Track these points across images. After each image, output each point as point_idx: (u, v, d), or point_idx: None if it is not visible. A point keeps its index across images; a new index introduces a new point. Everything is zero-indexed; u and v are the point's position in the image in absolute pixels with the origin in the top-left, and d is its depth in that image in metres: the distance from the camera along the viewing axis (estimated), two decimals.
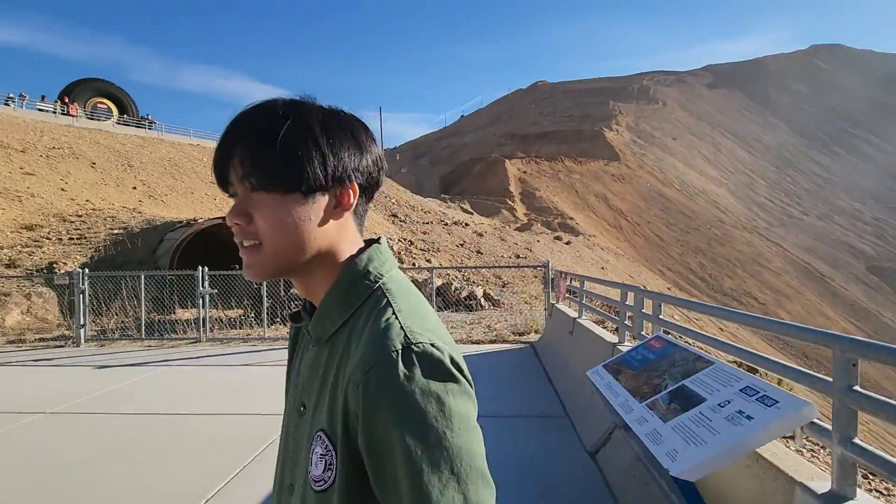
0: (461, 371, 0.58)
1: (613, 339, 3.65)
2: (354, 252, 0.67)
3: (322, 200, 0.63)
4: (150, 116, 33.19)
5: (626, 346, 3.33)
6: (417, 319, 0.61)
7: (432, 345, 0.57)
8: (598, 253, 44.85)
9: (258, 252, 0.63)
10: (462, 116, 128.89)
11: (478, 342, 7.46)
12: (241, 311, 10.35)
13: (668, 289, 42.05)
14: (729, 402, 1.66)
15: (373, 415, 0.54)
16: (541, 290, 17.28)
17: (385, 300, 0.63)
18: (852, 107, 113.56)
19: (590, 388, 3.88)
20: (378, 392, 0.54)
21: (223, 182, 0.65)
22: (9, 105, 26.42)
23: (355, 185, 0.65)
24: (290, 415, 0.71)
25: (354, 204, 0.66)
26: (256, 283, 9.67)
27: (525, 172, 64.68)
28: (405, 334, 0.57)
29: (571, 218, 53.35)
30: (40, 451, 3.78)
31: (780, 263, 58.65)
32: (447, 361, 0.57)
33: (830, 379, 1.64)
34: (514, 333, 7.91)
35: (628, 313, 3.48)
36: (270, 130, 0.61)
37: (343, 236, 0.67)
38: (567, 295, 6.25)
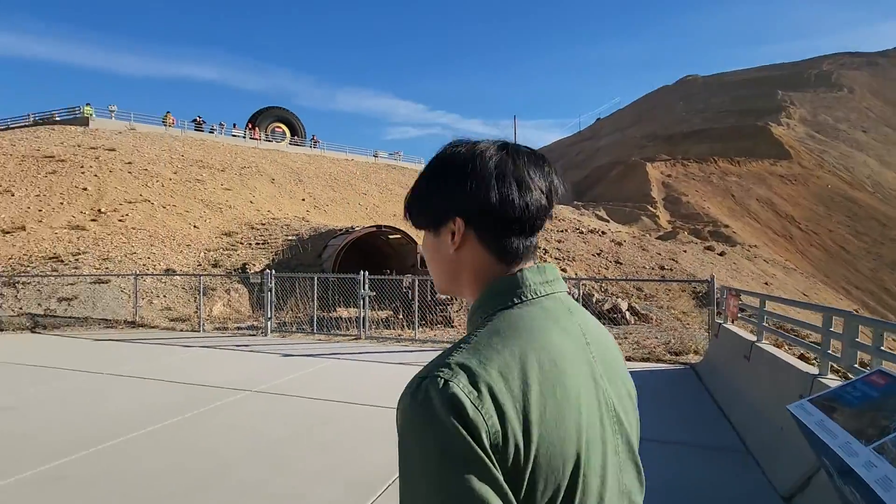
0: (457, 416, 0.54)
1: (811, 370, 3.17)
2: (490, 281, 0.71)
3: (445, 236, 0.72)
4: (315, 136, 38.09)
5: (830, 380, 2.88)
6: (474, 355, 0.59)
7: (443, 380, 0.56)
8: (760, 266, 39.10)
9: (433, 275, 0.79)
10: (598, 119, 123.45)
11: (628, 359, 7.08)
12: (389, 312, 11.29)
13: (856, 310, 34.82)
14: None
15: None
16: (692, 306, 15.68)
17: (474, 335, 0.64)
18: None
19: (777, 423, 3.45)
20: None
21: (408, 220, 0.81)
22: (213, 132, 32.55)
23: (459, 220, 0.70)
24: None
25: (459, 237, 0.70)
26: (405, 287, 10.48)
27: (669, 176, 59.41)
28: (435, 365, 0.59)
29: (727, 226, 47.42)
30: (248, 424, 4.60)
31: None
32: (437, 399, 0.54)
33: None
34: (669, 352, 7.33)
35: (832, 341, 3.00)
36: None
37: (474, 266, 0.72)
38: (740, 315, 5.60)
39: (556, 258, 26.41)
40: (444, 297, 10.15)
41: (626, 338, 8.68)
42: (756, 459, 3.34)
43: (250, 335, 9.93)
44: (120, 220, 16.84)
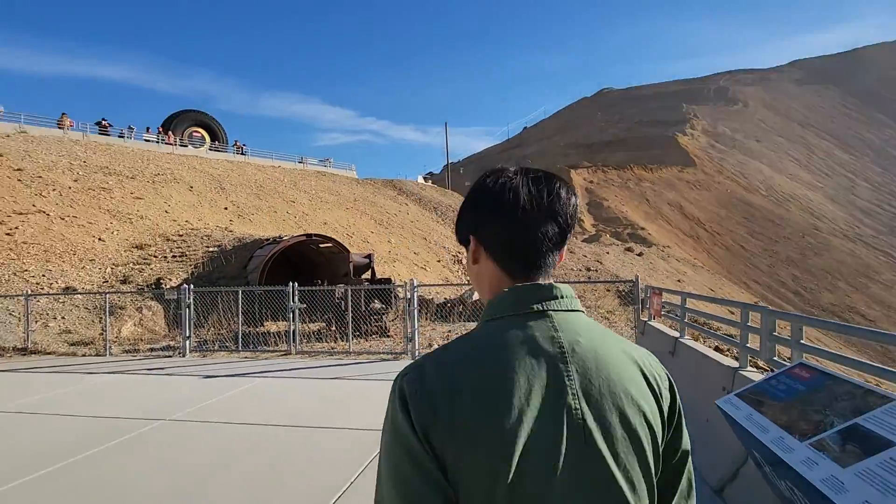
0: (400, 403, 0.70)
1: (732, 363, 3.35)
2: (496, 293, 0.80)
3: (469, 252, 0.85)
4: (238, 142, 36.12)
5: (750, 372, 3.05)
6: (439, 357, 0.74)
7: (401, 376, 0.73)
8: (673, 265, 42.33)
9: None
10: (525, 128, 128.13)
11: None
12: (322, 325, 10.82)
13: (756, 303, 38.66)
14: None
15: None
16: (617, 305, 16.55)
17: (453, 341, 0.78)
18: None
19: (704, 416, 3.60)
20: None
21: None
22: (122, 137, 29.85)
23: (473, 239, 0.83)
24: None
25: (472, 253, 0.84)
26: (338, 298, 10.08)
27: (592, 182, 62.87)
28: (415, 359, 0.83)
29: (643, 228, 50.91)
30: (165, 456, 4.12)
31: (891, 275, 52.16)
32: (396, 393, 0.71)
33: None
34: None
35: (750, 336, 3.19)
36: None
37: (489, 278, 0.82)
38: (663, 312, 5.90)
39: None
40: (378, 306, 9.89)
41: None
42: None
43: (166, 357, 9.08)
44: (7, 234, 14.85)
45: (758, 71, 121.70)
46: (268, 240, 15.62)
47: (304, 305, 9.06)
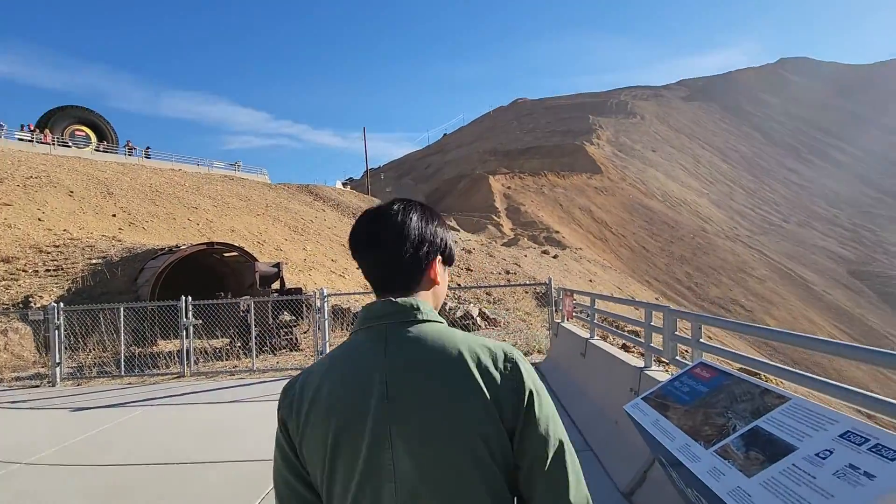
0: (279, 400, 0.93)
1: (638, 363, 3.38)
2: None
3: None
4: (129, 142, 32.65)
5: (655, 372, 3.07)
6: (312, 365, 0.96)
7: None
8: (585, 266, 44.88)
9: None
10: (445, 134, 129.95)
11: None
12: (226, 341, 9.89)
13: (657, 298, 42.15)
14: (830, 453, 1.39)
15: None
16: (534, 307, 17.02)
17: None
18: (821, 115, 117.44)
19: (614, 418, 3.59)
20: None
21: None
22: None
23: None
24: None
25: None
26: (243, 311, 9.25)
27: (509, 188, 65.10)
28: None
29: (557, 231, 53.58)
30: None
31: (764, 271, 59.47)
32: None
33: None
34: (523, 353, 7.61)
35: (654, 335, 3.23)
36: None
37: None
38: (575, 313, 6.00)
39: None
40: (288, 318, 9.22)
41: None
42: (597, 456, 3.44)
43: (32, 387, 7.74)
44: None
45: (652, 88, 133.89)
46: (163, 249, 14.10)
47: (200, 321, 8.16)
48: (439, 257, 1.01)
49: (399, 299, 0.91)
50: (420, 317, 0.90)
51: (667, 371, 3.29)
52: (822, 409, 1.62)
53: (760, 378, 3.34)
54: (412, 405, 0.82)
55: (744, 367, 2.92)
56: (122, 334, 8.13)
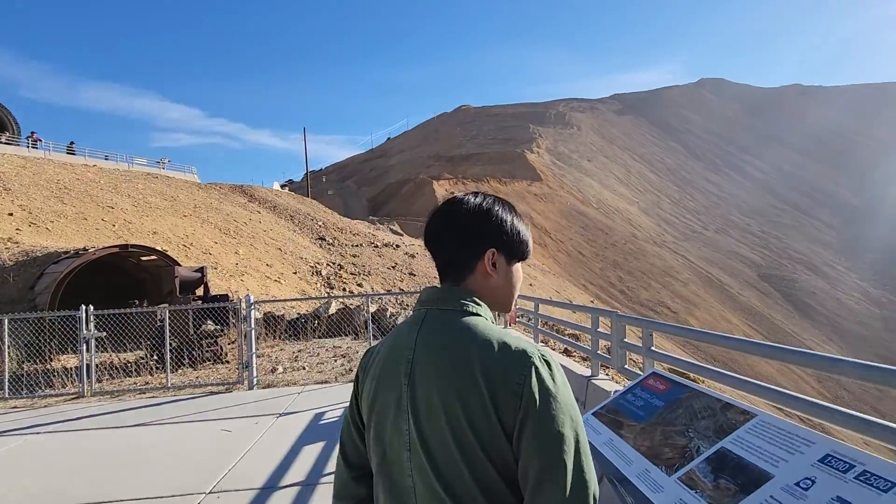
0: (361, 360, 1.10)
1: (584, 371, 3.21)
2: None
3: None
4: (34, 134, 29.38)
5: (603, 381, 2.91)
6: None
7: None
8: (526, 270, 45.67)
9: None
10: (389, 138, 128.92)
11: None
12: (140, 354, 8.89)
13: (592, 301, 43.85)
14: (812, 482, 1.20)
15: None
16: None
17: None
18: (735, 132, 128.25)
19: None
20: None
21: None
22: None
23: None
24: None
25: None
26: (160, 320, 8.35)
27: (452, 193, 65.21)
28: None
29: None
30: None
31: (687, 274, 63.66)
32: None
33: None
34: None
35: (601, 342, 3.07)
36: None
37: None
38: (518, 318, 5.84)
39: (351, 273, 25.81)
40: (212, 328, 8.43)
41: None
42: None
43: None
44: None
45: (588, 101, 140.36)
46: (68, 252, 12.60)
47: (104, 333, 7.23)
48: (493, 251, 1.00)
49: (444, 287, 1.01)
50: (458, 307, 0.95)
51: (614, 381, 3.14)
52: (792, 427, 1.46)
53: (693, 380, 3.27)
54: (424, 387, 0.89)
55: (672, 367, 2.80)
56: (7, 349, 7.03)
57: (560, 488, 0.80)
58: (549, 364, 0.87)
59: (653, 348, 2.53)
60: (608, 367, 3.36)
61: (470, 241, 0.99)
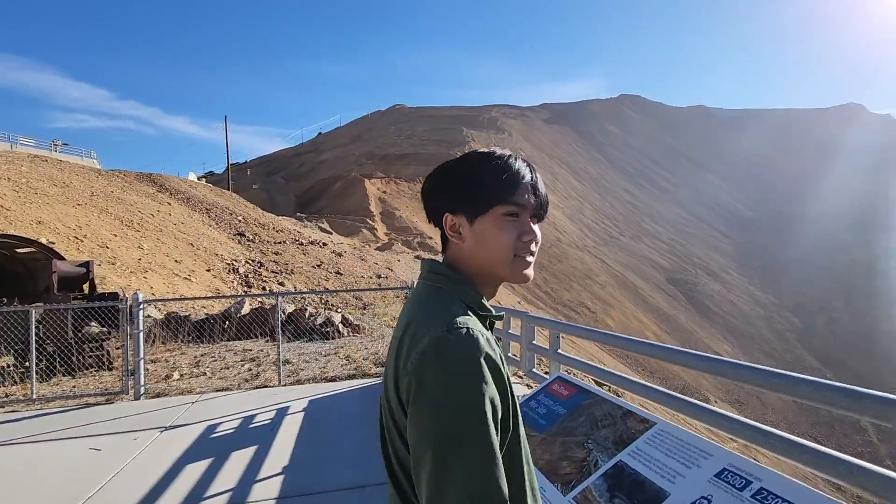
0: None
1: None
2: None
3: None
4: None
5: (515, 386, 2.79)
6: None
7: None
8: None
9: (534, 260, 0.96)
10: (320, 133, 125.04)
11: (333, 379, 6.43)
12: (9, 360, 7.66)
13: (518, 302, 45.15)
14: (708, 501, 1.09)
15: None
16: None
17: None
18: (650, 147, 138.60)
19: None
20: None
21: (545, 206, 0.98)
22: None
23: None
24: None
25: None
26: (36, 321, 7.22)
27: (385, 192, 64.83)
28: None
29: (430, 237, 54.54)
30: None
31: (605, 277, 67.66)
32: None
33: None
34: (376, 364, 7.06)
35: (512, 343, 2.95)
36: None
37: None
38: None
39: (272, 271, 24.47)
40: (96, 330, 7.44)
41: (336, 353, 8.11)
42: None
43: None
44: None
45: (518, 108, 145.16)
46: None
47: None
48: (448, 214, 0.92)
49: (427, 260, 0.97)
50: (426, 279, 0.92)
51: (528, 386, 3.03)
52: (690, 438, 1.36)
53: (608, 390, 3.25)
54: (389, 362, 0.88)
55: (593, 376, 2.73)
56: None
57: (430, 492, 0.70)
58: (454, 339, 0.76)
59: (560, 351, 2.44)
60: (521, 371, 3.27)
61: (431, 211, 0.95)
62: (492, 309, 0.94)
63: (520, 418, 0.85)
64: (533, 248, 0.92)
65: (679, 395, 1.70)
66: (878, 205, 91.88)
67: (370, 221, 54.62)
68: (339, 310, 15.35)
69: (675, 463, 1.28)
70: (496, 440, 0.72)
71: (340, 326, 10.34)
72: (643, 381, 2.12)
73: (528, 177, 0.93)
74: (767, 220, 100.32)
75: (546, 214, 0.98)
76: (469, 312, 0.86)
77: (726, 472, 1.17)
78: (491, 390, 0.75)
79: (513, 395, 0.82)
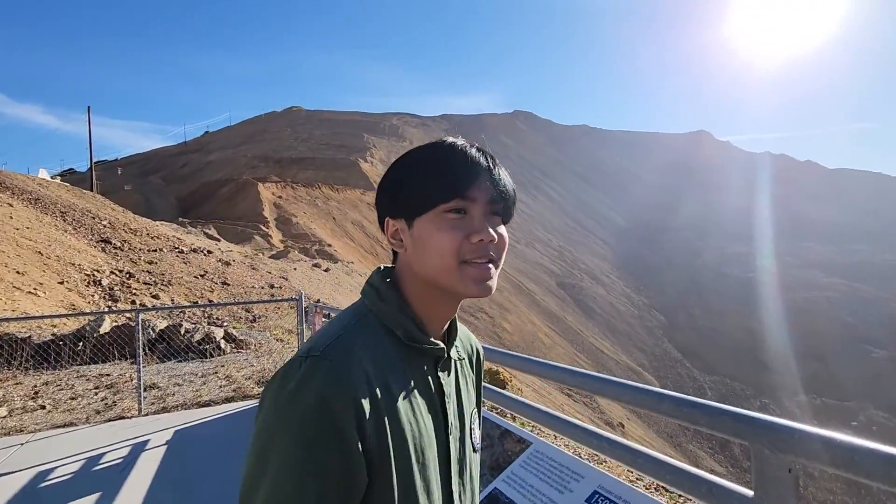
0: None
1: None
2: None
3: None
4: None
5: None
6: None
7: None
8: (356, 279, 45.21)
9: (494, 267, 0.77)
10: (207, 132, 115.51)
11: (208, 403, 5.74)
12: None
13: None
14: None
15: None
16: (297, 324, 15.73)
17: None
18: (541, 160, 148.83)
19: None
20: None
21: (504, 199, 0.82)
22: None
23: None
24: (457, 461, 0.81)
25: None
26: None
27: (280, 197, 61.66)
28: None
29: (330, 245, 52.84)
30: None
31: (502, 282, 70.73)
32: None
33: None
34: (259, 383, 6.46)
35: None
36: None
37: None
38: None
39: (145, 283, 21.74)
40: None
41: (216, 373, 7.30)
42: None
43: None
44: None
45: (420, 117, 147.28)
46: None
47: None
48: (388, 219, 0.83)
49: (377, 268, 0.88)
50: (361, 290, 0.84)
51: None
52: (564, 458, 1.29)
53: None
54: None
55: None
56: None
57: None
58: (302, 370, 0.65)
59: None
60: None
61: (379, 217, 0.85)
62: (430, 338, 0.77)
63: (392, 474, 0.67)
64: (491, 251, 0.76)
65: (558, 414, 1.68)
66: (722, 216, 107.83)
67: (264, 228, 51.44)
68: (224, 324, 14.05)
69: (548, 488, 1.20)
70: (311, 496, 0.61)
71: (223, 343, 9.40)
72: (526, 401, 2.08)
73: (478, 165, 0.78)
74: (638, 229, 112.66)
75: (512, 211, 0.84)
76: (391, 337, 0.74)
77: (597, 496, 1.11)
78: (318, 441, 0.61)
79: (372, 450, 0.65)
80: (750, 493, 1.20)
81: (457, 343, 0.87)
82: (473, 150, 0.80)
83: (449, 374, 0.82)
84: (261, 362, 7.96)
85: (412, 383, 0.74)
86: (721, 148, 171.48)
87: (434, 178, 0.75)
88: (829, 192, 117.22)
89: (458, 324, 0.88)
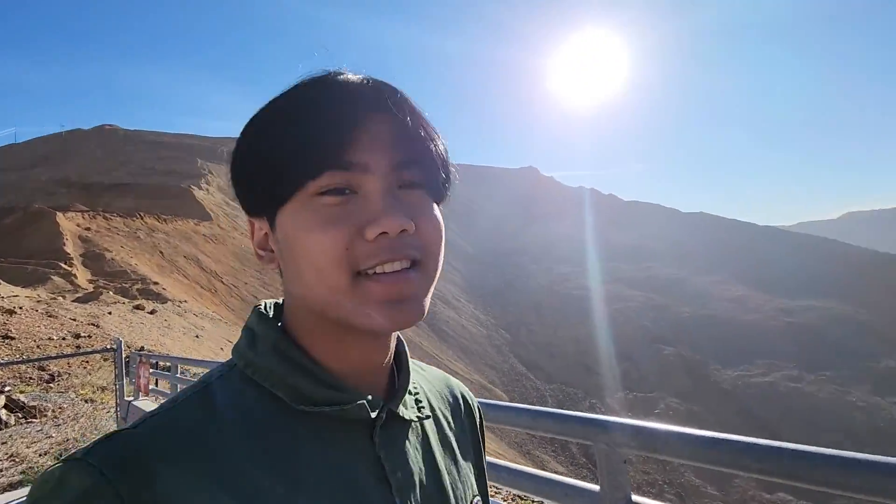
0: None
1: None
2: None
3: None
4: None
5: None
6: None
7: None
8: (191, 320, 40.06)
9: (420, 274, 0.47)
10: None
11: None
12: None
13: None
14: None
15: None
16: (113, 378, 13.17)
17: None
18: None
19: None
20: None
21: (423, 159, 0.48)
22: None
23: None
24: None
25: None
26: None
27: (89, 229, 52.28)
28: None
29: (157, 283, 46.16)
30: None
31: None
32: None
33: None
34: (56, 459, 5.22)
35: None
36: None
37: None
38: (154, 385, 4.56)
39: None
40: None
41: None
42: None
43: None
44: None
45: None
46: None
47: None
48: (252, 221, 0.55)
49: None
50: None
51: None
52: None
53: None
54: None
55: None
56: None
57: None
58: (56, 479, 0.38)
59: None
60: None
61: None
62: (347, 392, 0.48)
63: None
64: (409, 248, 0.46)
65: None
66: (551, 242, 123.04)
67: (65, 266, 42.79)
68: (6, 389, 11.12)
69: None
70: None
71: (3, 413, 7.42)
72: None
73: (365, 105, 0.46)
74: (483, 255, 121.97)
75: (446, 179, 0.51)
76: (275, 404, 0.47)
77: None
78: None
79: None
80: (596, 487, 1.36)
81: (417, 391, 0.57)
82: (356, 83, 0.47)
83: (404, 446, 0.52)
84: (62, 432, 6.47)
85: (320, 477, 0.44)
86: (548, 182, 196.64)
87: (291, 141, 0.45)
88: (627, 220, 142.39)
89: (417, 363, 0.61)
